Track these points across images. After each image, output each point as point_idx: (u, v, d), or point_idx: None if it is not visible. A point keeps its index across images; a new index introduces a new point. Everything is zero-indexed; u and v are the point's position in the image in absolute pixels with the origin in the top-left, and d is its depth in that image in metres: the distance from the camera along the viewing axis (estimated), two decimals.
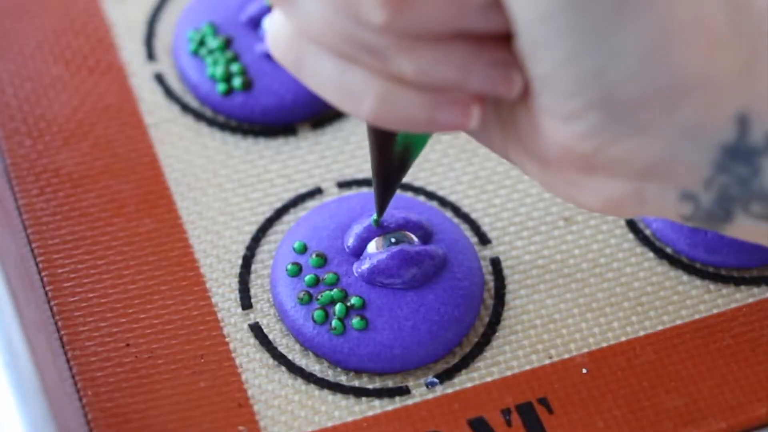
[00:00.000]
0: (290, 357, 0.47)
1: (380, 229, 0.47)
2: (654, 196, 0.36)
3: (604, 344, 0.47)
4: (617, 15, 0.31)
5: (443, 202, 0.51)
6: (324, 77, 0.35)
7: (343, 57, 0.35)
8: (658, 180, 0.35)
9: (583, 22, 0.31)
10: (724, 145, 0.34)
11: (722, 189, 0.35)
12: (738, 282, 0.49)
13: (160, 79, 0.54)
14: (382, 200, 0.44)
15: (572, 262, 0.49)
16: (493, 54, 0.34)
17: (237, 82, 0.52)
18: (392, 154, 0.41)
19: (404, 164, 0.41)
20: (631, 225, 0.50)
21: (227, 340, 0.47)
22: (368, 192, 0.51)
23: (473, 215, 0.50)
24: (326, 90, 0.36)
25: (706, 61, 0.32)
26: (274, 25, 0.36)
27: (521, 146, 0.37)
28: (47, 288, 0.48)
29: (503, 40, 0.34)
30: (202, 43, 0.54)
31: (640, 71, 0.32)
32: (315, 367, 0.46)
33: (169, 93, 0.54)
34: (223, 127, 0.53)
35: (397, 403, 0.45)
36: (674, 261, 0.49)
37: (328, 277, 0.47)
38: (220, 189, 0.51)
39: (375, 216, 0.47)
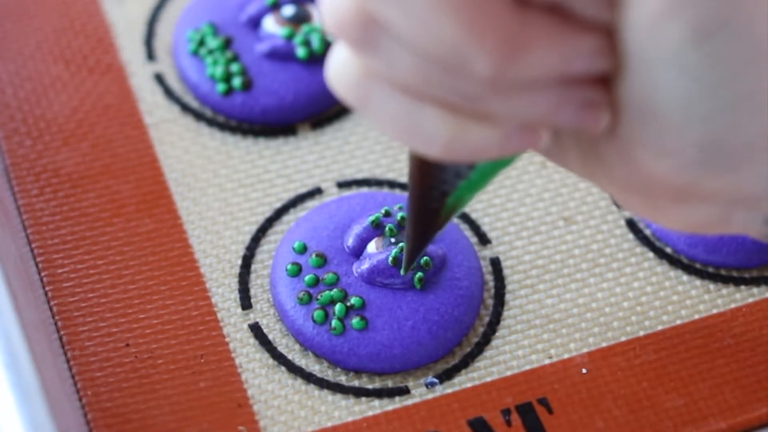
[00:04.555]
0: (290, 357, 0.47)
1: (380, 229, 0.47)
2: (740, 221, 0.36)
3: (604, 344, 0.47)
4: (746, 65, 0.31)
5: None
6: (393, 116, 0.34)
7: (418, 97, 0.33)
8: (747, 207, 0.35)
9: (713, 68, 0.31)
10: None
11: None
12: (738, 282, 0.49)
13: (160, 79, 0.54)
14: (417, 253, 0.43)
15: (572, 262, 0.49)
16: (585, 93, 0.33)
17: (237, 82, 0.52)
18: (439, 208, 0.38)
19: (450, 216, 0.39)
20: (631, 225, 0.50)
21: (227, 340, 0.47)
22: (368, 192, 0.51)
23: (473, 215, 0.50)
24: (394, 129, 0.34)
25: None
26: (337, 60, 0.34)
27: (603, 171, 0.36)
28: (47, 288, 0.48)
29: (594, 78, 0.33)
30: (201, 43, 0.54)
31: (754, 121, 0.32)
32: (315, 367, 0.46)
33: (169, 93, 0.54)
34: (223, 127, 0.53)
35: (397, 403, 0.45)
36: (674, 261, 0.49)
37: (328, 277, 0.47)
38: (220, 189, 0.51)
39: (402, 270, 0.46)
